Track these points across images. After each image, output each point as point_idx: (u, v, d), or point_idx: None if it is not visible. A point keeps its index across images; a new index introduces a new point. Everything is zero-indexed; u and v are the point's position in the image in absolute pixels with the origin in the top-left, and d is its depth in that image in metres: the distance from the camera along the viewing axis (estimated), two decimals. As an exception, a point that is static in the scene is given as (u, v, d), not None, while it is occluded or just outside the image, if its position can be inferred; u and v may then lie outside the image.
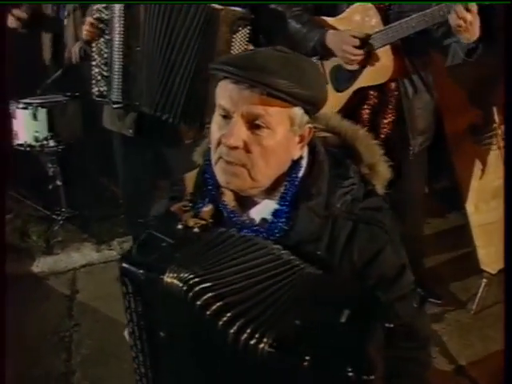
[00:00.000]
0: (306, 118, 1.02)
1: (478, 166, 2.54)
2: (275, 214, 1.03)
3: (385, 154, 2.26)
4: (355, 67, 2.18)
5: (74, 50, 2.60)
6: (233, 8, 2.12)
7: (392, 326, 0.87)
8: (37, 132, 2.76)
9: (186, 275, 0.89)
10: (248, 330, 0.82)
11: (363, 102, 2.28)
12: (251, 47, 2.15)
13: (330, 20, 2.23)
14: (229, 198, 1.08)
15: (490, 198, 2.54)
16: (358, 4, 2.13)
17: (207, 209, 1.07)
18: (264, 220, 1.05)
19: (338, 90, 2.29)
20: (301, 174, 1.05)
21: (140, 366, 1.02)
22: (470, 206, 2.55)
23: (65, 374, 2.28)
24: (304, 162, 1.06)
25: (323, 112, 1.16)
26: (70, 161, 3.12)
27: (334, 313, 0.82)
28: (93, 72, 2.25)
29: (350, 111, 2.27)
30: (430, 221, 3.16)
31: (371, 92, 2.25)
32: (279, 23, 2.28)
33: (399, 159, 2.25)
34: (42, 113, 2.76)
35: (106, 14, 2.16)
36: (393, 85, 2.22)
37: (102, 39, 2.19)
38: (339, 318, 0.80)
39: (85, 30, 2.20)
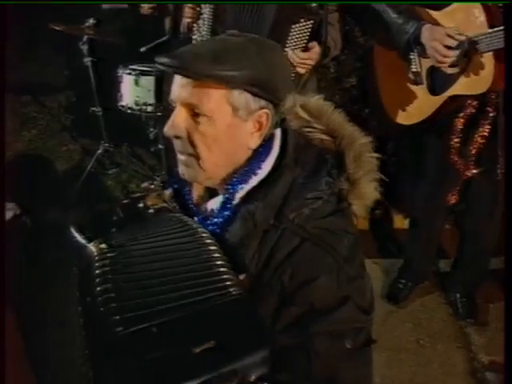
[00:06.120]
0: (260, 102, 0.94)
1: None
2: (220, 207, 0.98)
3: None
4: (454, 70, 1.94)
5: (184, 21, 2.72)
6: None
7: None
8: (137, 97, 2.91)
9: (103, 249, 0.90)
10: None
11: (460, 110, 2.04)
12: (316, 47, 2.02)
13: (433, 13, 1.99)
14: (197, 187, 1.07)
15: None
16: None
17: (168, 192, 1.07)
18: (212, 211, 1.00)
19: (433, 92, 2.07)
20: (260, 173, 0.97)
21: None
22: None
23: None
24: (268, 162, 0.98)
25: (327, 111, 1.06)
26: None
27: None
28: None
29: (443, 118, 2.09)
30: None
31: (469, 100, 2.00)
32: (375, 13, 2.08)
33: (486, 176, 2.10)
34: (144, 79, 2.90)
35: None
36: (493, 95, 1.96)
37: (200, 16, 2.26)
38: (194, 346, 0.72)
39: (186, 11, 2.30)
